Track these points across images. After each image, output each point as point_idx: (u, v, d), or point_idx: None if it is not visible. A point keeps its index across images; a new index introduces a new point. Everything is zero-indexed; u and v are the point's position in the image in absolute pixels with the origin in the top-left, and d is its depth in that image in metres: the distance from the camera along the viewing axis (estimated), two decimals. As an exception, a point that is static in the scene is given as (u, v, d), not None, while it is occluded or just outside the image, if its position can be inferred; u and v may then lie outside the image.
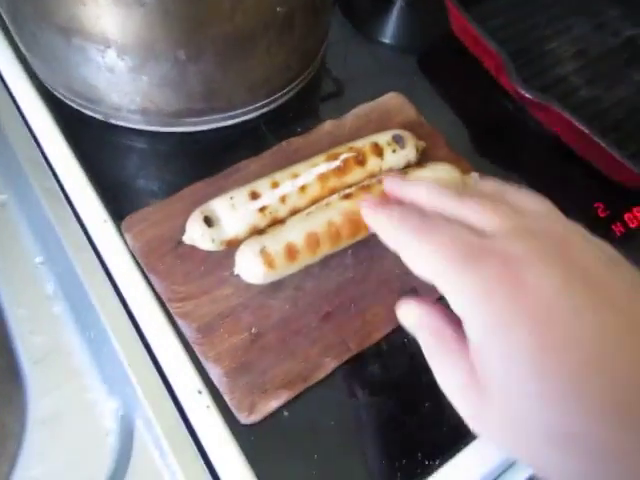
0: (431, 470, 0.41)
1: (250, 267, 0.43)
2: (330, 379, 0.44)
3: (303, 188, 0.46)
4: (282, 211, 0.46)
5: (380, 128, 0.55)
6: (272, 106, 0.57)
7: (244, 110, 0.55)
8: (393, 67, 0.68)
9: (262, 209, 0.45)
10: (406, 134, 0.52)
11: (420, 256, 0.31)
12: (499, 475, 0.44)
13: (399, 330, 0.46)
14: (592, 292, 0.26)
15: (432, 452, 0.42)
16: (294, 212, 0.46)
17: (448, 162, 0.51)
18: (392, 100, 0.60)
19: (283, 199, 0.45)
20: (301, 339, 0.44)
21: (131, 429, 0.42)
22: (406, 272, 0.48)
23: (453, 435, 0.43)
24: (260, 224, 0.45)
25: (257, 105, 0.56)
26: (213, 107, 0.53)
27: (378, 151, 0.50)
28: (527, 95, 0.57)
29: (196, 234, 0.44)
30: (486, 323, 0.27)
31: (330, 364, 0.43)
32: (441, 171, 0.49)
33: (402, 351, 0.46)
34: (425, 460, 0.42)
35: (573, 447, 0.25)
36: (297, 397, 0.43)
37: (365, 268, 0.48)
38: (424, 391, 0.44)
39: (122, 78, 0.48)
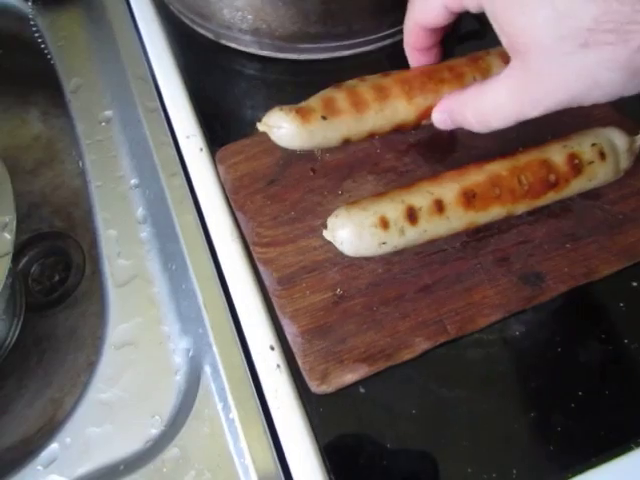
0: (526, 492, 0.34)
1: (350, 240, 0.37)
2: (419, 361, 0.38)
3: None
4: None
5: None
6: (398, 37, 0.49)
7: (365, 39, 0.48)
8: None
9: None
10: None
11: None
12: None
13: (512, 319, 0.39)
14: None
15: (531, 472, 0.35)
16: None
17: (611, 123, 0.40)
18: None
19: None
20: (390, 310, 0.38)
21: (198, 373, 0.40)
22: (531, 253, 0.40)
23: (561, 457, 0.35)
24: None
25: (380, 35, 0.48)
26: (330, 33, 0.47)
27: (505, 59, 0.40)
28: None
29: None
30: None
31: (420, 345, 0.37)
32: (607, 135, 0.39)
33: (510, 345, 0.38)
34: (520, 480, 0.35)
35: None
36: (378, 374, 0.37)
37: (481, 239, 0.40)
38: (531, 398, 0.37)
39: (234, -10, 0.43)
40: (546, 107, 0.31)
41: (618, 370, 0.38)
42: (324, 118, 0.38)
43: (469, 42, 0.54)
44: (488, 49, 0.41)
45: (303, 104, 0.39)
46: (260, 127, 0.39)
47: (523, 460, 0.35)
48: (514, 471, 0.35)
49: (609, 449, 0.35)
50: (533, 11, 0.28)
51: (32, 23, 0.60)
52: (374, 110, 0.38)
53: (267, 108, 0.50)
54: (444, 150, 0.44)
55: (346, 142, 0.39)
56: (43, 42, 0.59)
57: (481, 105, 0.34)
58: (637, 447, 0.35)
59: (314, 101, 0.39)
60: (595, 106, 0.45)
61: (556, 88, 0.30)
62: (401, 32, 0.49)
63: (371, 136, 0.40)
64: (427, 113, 0.39)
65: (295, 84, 0.51)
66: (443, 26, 0.37)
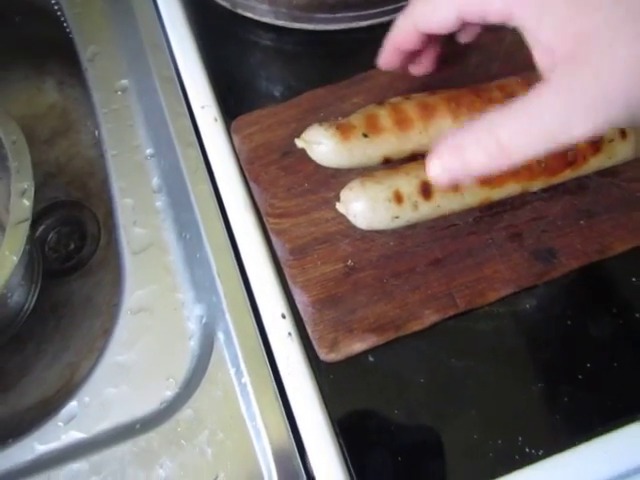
0: (532, 460, 0.35)
1: (365, 213, 0.36)
2: (428, 332, 0.38)
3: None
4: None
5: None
6: (416, 8, 0.48)
7: (383, 10, 0.47)
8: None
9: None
10: None
11: None
12: None
13: (523, 294, 0.39)
14: None
15: (537, 440, 0.36)
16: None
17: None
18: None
19: None
20: (401, 283, 0.39)
21: (212, 339, 0.41)
22: (544, 229, 0.40)
23: (567, 426, 0.36)
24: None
25: (398, 5, 0.47)
26: (348, 3, 0.46)
27: None
28: None
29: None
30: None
31: (429, 317, 0.38)
32: None
33: (520, 318, 0.39)
34: (526, 447, 0.35)
35: None
36: (387, 344, 0.38)
37: (494, 215, 0.40)
38: (539, 369, 0.38)
39: (250, -43, 0.42)
40: (606, 114, 0.25)
41: (628, 344, 0.38)
42: (365, 136, 0.37)
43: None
44: None
45: (344, 120, 0.38)
46: (298, 143, 0.39)
47: (529, 428, 0.36)
48: (519, 438, 0.36)
49: (615, 419, 0.36)
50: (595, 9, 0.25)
51: (49, -8, 0.60)
52: (418, 129, 0.37)
53: (283, 79, 0.50)
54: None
55: (387, 161, 0.38)
56: (60, 9, 0.59)
57: (508, 124, 0.27)
58: (643, 419, 0.36)
59: (355, 118, 0.38)
60: None
61: (624, 86, 0.25)
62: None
63: (413, 156, 0.39)
64: None
65: (311, 55, 0.50)
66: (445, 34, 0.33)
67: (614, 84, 0.25)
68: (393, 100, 0.39)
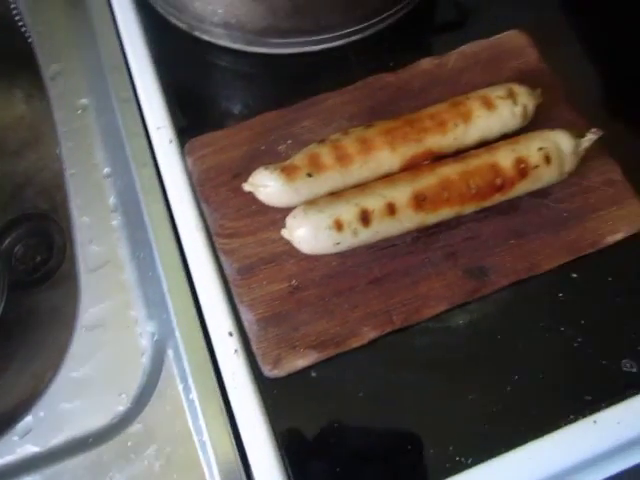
0: (461, 468, 0.37)
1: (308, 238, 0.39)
2: (368, 347, 0.40)
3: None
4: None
5: (489, 72, 0.47)
6: (366, 33, 0.51)
7: (333, 35, 0.49)
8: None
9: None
10: (521, 90, 0.43)
11: None
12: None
13: (456, 310, 0.41)
14: None
15: (466, 448, 0.38)
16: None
17: (565, 122, 0.43)
18: (512, 39, 0.50)
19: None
20: (342, 301, 0.40)
21: (162, 356, 0.42)
22: (477, 248, 0.42)
23: (496, 435, 0.38)
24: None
25: (348, 30, 0.49)
26: (299, 28, 0.48)
27: (487, 103, 0.41)
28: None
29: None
30: None
31: (368, 334, 0.40)
32: (553, 139, 0.40)
33: (454, 333, 0.41)
34: (456, 456, 0.37)
35: None
36: (328, 360, 0.40)
37: (431, 235, 0.42)
38: (470, 382, 0.40)
39: (202, -15, 0.44)
40: None
41: (554, 355, 0.40)
42: (309, 175, 0.39)
43: (447, 34, 0.55)
44: (467, 93, 0.42)
45: (288, 162, 0.40)
46: (246, 187, 0.41)
47: (459, 438, 0.38)
48: (450, 447, 0.38)
49: (538, 429, 0.38)
50: None
51: (13, 7, 0.61)
52: (359, 163, 0.40)
53: (239, 101, 0.52)
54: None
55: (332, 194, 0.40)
56: (24, 25, 0.60)
57: None
58: (566, 425, 0.38)
59: (299, 158, 0.40)
60: (554, 102, 0.47)
61: None
62: (368, 27, 0.50)
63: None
64: (411, 163, 0.40)
65: (266, 77, 0.52)
66: None
67: None
68: (333, 137, 0.41)
